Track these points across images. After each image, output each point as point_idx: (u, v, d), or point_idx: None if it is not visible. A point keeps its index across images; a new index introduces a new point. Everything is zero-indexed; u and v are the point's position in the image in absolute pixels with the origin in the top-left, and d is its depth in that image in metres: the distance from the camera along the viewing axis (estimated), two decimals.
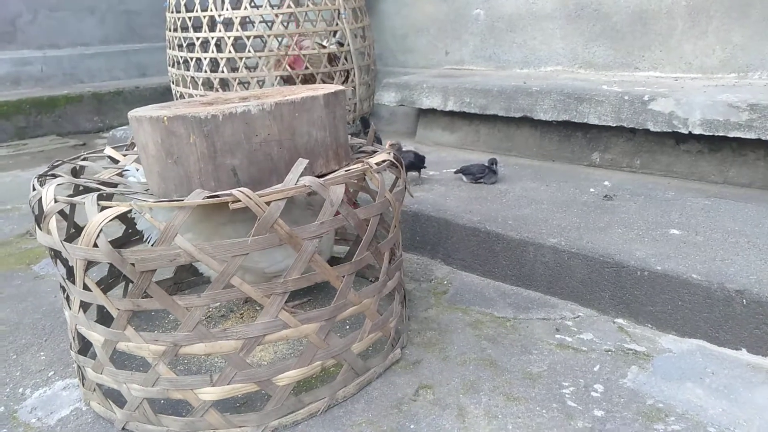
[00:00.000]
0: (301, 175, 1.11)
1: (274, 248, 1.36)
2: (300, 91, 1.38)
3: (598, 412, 1.18)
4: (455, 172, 2.23)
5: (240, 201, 1.01)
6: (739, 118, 1.82)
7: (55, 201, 1.10)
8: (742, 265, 1.43)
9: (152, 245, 1.30)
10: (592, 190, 2.05)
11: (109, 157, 1.57)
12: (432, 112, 2.77)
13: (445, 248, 1.90)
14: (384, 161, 1.32)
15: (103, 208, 1.04)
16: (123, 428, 1.17)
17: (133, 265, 1.01)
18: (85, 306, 1.17)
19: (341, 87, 1.39)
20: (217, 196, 1.03)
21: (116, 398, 1.20)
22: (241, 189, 1.03)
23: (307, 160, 1.15)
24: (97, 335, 1.14)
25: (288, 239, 1.06)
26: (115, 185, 1.33)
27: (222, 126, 1.15)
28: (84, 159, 1.47)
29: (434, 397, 1.26)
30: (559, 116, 2.20)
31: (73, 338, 1.24)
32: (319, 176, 1.32)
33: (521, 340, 1.46)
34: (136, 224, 1.44)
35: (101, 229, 1.01)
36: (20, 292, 1.87)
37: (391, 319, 1.34)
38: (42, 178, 1.27)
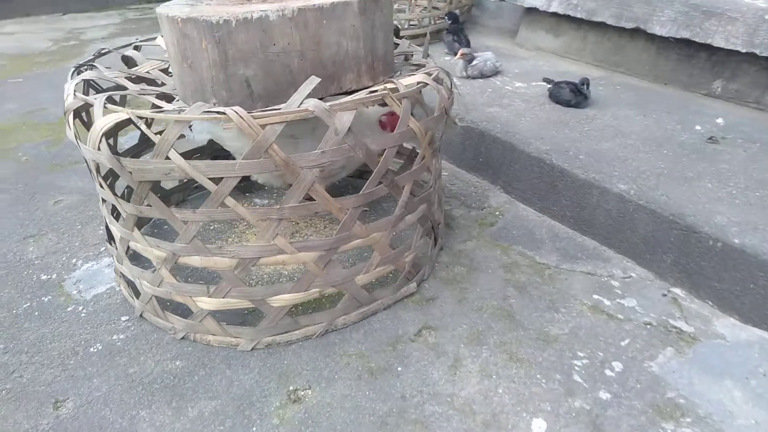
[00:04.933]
0: (309, 96, 1.02)
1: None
2: None
3: (603, 395, 1.07)
4: (545, 80, 1.99)
5: (232, 121, 0.96)
6: None
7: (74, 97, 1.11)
8: None
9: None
10: (698, 127, 1.73)
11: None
12: (536, 11, 2.42)
13: (507, 175, 1.74)
14: (418, 83, 1.17)
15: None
16: (140, 315, 1.27)
17: (131, 173, 1.02)
18: (107, 204, 1.22)
19: None
20: (213, 112, 0.98)
21: (136, 288, 1.29)
22: (234, 108, 0.96)
23: (318, 79, 1.05)
24: (115, 230, 1.20)
25: (284, 166, 1.00)
26: (149, 82, 1.32)
27: (235, 32, 1.06)
28: (135, 48, 1.47)
29: (434, 341, 1.20)
30: (678, 32, 1.82)
31: (105, 227, 1.32)
32: (347, 93, 1.22)
33: (552, 294, 1.33)
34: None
35: (103, 134, 1.02)
36: None
37: (407, 253, 1.28)
38: (79, 69, 1.29)
